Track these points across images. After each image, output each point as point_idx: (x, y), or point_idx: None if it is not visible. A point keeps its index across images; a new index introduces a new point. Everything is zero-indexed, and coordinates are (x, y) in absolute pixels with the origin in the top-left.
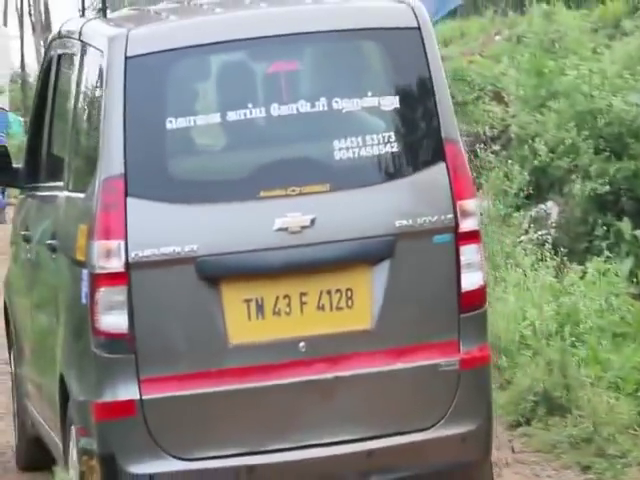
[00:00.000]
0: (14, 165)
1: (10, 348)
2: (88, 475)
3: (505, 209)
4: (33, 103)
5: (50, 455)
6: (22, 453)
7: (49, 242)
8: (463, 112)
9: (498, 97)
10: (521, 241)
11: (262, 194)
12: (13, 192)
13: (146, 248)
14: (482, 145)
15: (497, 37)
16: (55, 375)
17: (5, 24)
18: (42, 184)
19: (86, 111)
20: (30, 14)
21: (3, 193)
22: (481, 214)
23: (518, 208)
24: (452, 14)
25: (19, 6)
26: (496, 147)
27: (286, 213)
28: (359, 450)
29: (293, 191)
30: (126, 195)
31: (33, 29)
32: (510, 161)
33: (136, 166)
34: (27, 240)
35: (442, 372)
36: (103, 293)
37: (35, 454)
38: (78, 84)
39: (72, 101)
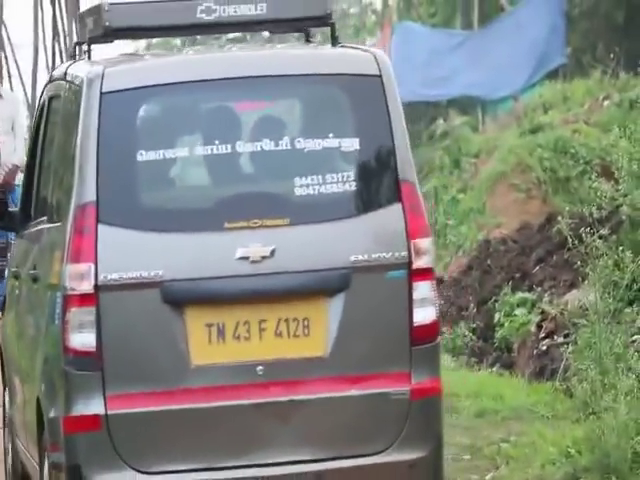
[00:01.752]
0: (10, 209)
1: (4, 390)
2: None
3: (615, 303)
4: (28, 147)
5: None
6: None
7: (31, 273)
8: (565, 189)
9: (607, 172)
10: (634, 341)
11: (226, 225)
12: None
13: (114, 272)
14: (588, 228)
15: (606, 102)
16: (33, 400)
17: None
18: (32, 222)
19: (66, 144)
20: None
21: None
22: (586, 309)
23: (630, 302)
24: (553, 75)
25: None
26: (604, 231)
27: (248, 243)
28: (310, 470)
29: (255, 223)
30: (97, 221)
31: None
32: (621, 247)
33: (107, 194)
34: (16, 277)
35: (393, 401)
36: (73, 313)
37: None
38: (61, 121)
39: (56, 137)
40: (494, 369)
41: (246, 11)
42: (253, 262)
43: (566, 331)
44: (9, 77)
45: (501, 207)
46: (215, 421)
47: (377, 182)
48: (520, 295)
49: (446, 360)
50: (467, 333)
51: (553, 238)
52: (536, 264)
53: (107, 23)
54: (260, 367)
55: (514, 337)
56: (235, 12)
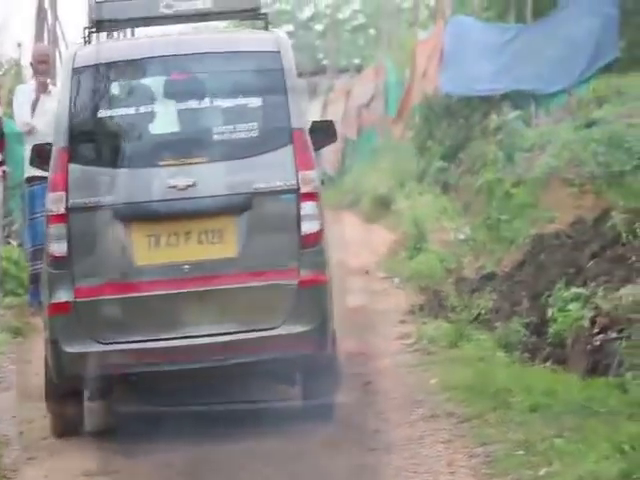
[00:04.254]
0: None
1: None
2: (47, 355)
3: None
4: None
5: None
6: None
7: None
8: (619, 184)
9: None
10: None
11: (161, 163)
12: None
13: (80, 198)
14: None
15: None
16: None
17: None
18: None
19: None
20: None
21: None
22: None
23: None
24: (607, 69)
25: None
26: None
27: (176, 176)
28: (224, 340)
29: (182, 162)
30: (68, 161)
31: None
32: None
33: (75, 142)
34: None
35: (285, 289)
36: (52, 228)
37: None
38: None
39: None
40: (547, 364)
41: (197, 6)
42: (180, 190)
43: (620, 326)
44: None
45: (555, 202)
46: (153, 305)
47: (274, 130)
48: (574, 290)
49: (499, 356)
50: (520, 328)
51: (607, 233)
52: (590, 259)
53: (93, 16)
54: (186, 266)
55: (567, 332)
56: (189, 7)
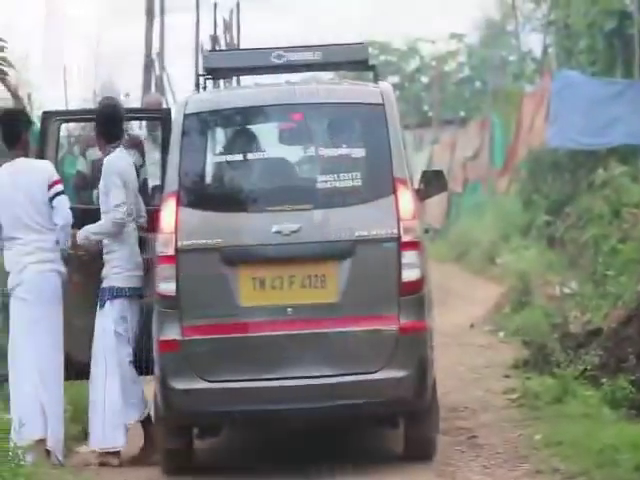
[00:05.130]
0: None
1: None
2: (155, 391)
3: None
4: None
5: None
6: None
7: None
8: None
9: None
10: None
11: (267, 209)
12: None
13: (188, 240)
14: None
15: None
16: None
17: None
18: None
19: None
20: None
21: None
22: None
23: None
24: None
25: None
26: None
27: (282, 222)
28: (325, 383)
29: (288, 208)
30: (178, 204)
31: None
32: None
33: (185, 186)
34: None
35: (385, 335)
36: (161, 269)
37: None
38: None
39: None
40: None
41: (306, 57)
42: (285, 235)
43: None
44: None
45: None
46: (257, 346)
47: (377, 180)
48: None
49: (605, 412)
50: (626, 385)
51: None
52: None
53: (206, 65)
54: (289, 309)
55: None
56: (299, 57)
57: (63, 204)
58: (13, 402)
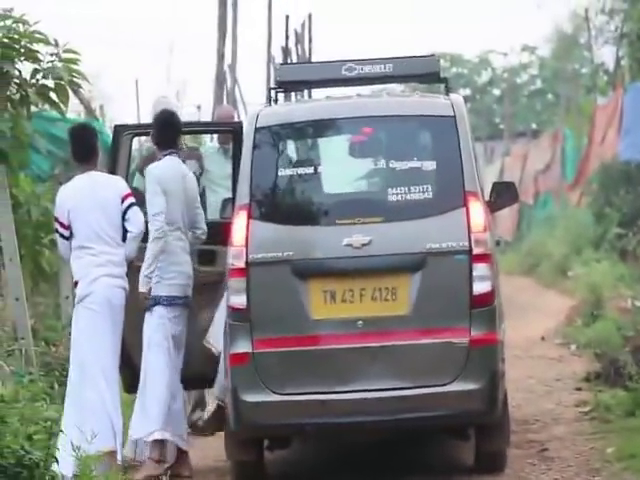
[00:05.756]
0: None
1: None
2: (227, 403)
3: None
4: None
5: None
6: None
7: None
8: None
9: None
10: None
11: (337, 222)
12: None
13: (259, 253)
14: None
15: None
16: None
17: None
18: None
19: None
20: None
21: None
22: None
23: None
24: None
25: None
26: None
27: (352, 235)
28: (395, 395)
29: (358, 220)
30: (249, 217)
31: None
32: None
33: (256, 198)
34: None
35: (456, 347)
36: (232, 282)
37: None
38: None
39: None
40: None
41: (377, 69)
42: (356, 248)
43: None
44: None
45: None
46: (328, 359)
47: (448, 192)
48: None
49: None
50: None
51: None
52: None
53: (278, 78)
54: (360, 322)
55: None
56: (370, 70)
57: (137, 214)
58: (80, 410)
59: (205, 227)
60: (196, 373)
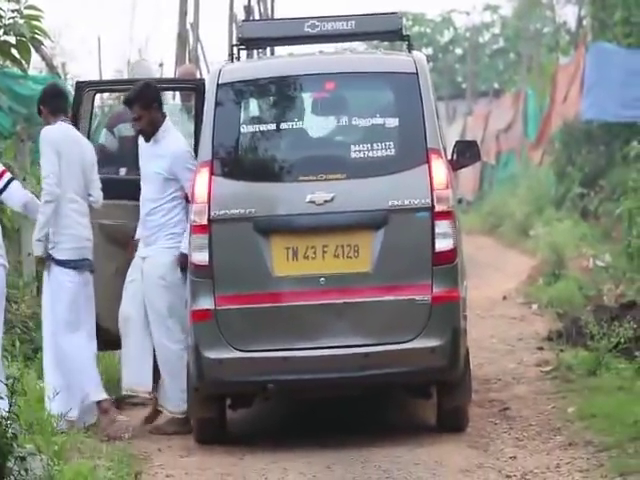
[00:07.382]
0: None
1: None
2: (189, 361)
3: None
4: None
5: None
6: None
7: None
8: None
9: None
10: None
11: (300, 178)
12: None
13: (221, 209)
14: None
15: None
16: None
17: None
18: None
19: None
20: None
21: None
22: None
23: None
24: None
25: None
26: None
27: (315, 191)
28: (358, 352)
29: (321, 177)
30: (211, 174)
31: None
32: None
33: (218, 155)
34: None
35: (418, 304)
36: (194, 238)
37: None
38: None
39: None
40: None
41: (340, 27)
42: (318, 204)
43: None
44: None
45: None
46: (290, 315)
47: (410, 149)
48: None
49: (639, 385)
50: None
51: None
52: None
53: (240, 35)
54: (322, 278)
55: None
56: (332, 27)
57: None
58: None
59: (100, 195)
60: (110, 334)
